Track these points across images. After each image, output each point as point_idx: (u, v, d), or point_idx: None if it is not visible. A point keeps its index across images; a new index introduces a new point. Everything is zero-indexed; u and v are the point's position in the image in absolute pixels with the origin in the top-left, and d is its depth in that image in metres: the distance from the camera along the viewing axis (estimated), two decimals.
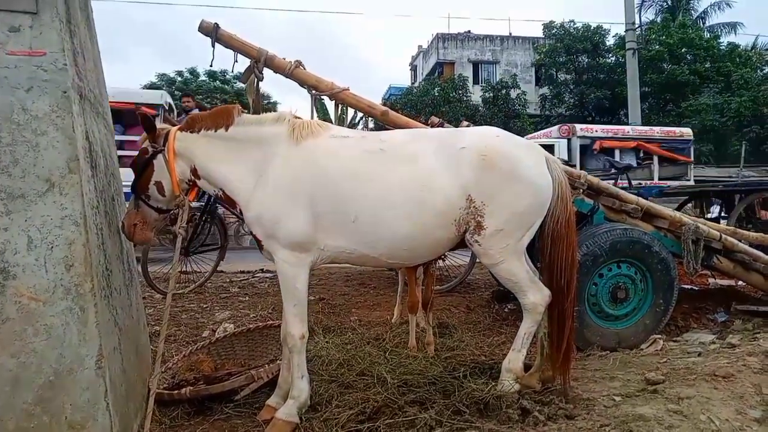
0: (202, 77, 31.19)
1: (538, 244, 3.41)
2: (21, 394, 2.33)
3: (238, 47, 4.25)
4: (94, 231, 2.68)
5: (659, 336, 4.54)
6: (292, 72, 4.29)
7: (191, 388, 3.34)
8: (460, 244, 3.35)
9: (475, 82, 34.02)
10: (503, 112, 28.57)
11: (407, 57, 45.31)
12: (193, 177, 3.31)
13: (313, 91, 4.38)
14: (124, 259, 3.44)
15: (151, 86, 31.12)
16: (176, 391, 3.34)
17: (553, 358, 3.39)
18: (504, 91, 29.38)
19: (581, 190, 4.59)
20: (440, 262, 6.88)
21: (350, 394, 3.46)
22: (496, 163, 3.11)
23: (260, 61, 4.22)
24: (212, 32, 4.18)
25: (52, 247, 2.45)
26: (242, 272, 7.99)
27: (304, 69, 4.33)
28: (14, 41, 2.45)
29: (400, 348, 4.39)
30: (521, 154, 3.23)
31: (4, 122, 2.45)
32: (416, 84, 35.34)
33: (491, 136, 3.28)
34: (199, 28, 4.19)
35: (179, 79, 31.29)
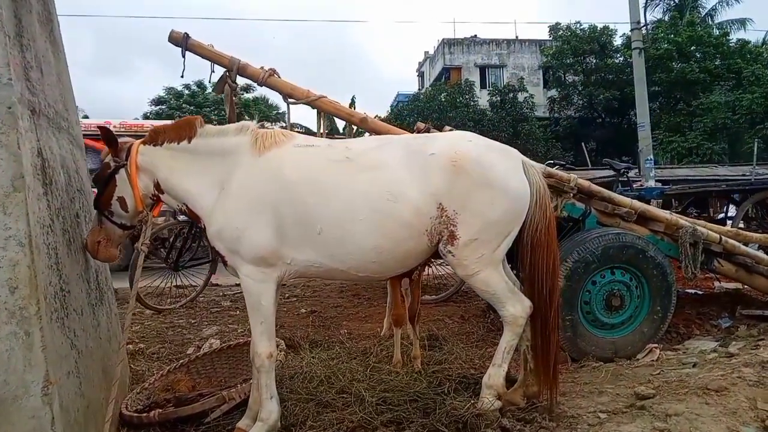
0: (209, 90, 31.40)
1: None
2: None
3: (209, 56, 4.17)
4: (44, 251, 2.58)
5: (656, 345, 4.35)
6: (266, 80, 4.20)
7: (160, 411, 3.23)
8: (437, 254, 3.21)
9: (482, 86, 33.90)
10: (511, 116, 28.36)
11: (414, 63, 45.35)
12: (156, 191, 3.21)
13: (289, 99, 4.28)
14: (90, 278, 3.34)
15: (159, 100, 31.47)
16: (145, 414, 3.22)
17: (538, 373, 3.23)
18: (511, 95, 29.20)
19: (571, 194, 4.42)
20: (435, 270, 6.75)
21: (327, 414, 3.33)
22: (468, 169, 2.96)
23: (233, 69, 4.14)
24: (182, 42, 4.11)
25: None
26: (238, 285, 7.88)
27: (279, 77, 4.23)
28: None
29: (384, 363, 4.24)
30: (494, 158, 3.08)
31: None
32: (423, 90, 35.27)
33: (462, 141, 3.14)
34: (169, 38, 4.11)
35: (186, 92, 31.55)
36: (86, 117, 16.24)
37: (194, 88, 31.60)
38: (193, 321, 5.76)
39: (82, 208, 3.37)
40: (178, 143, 3.18)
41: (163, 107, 30.58)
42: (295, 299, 7.07)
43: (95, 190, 3.31)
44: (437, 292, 6.89)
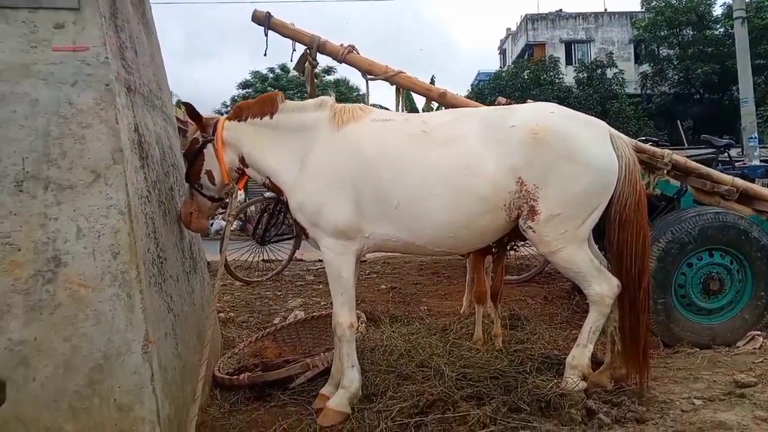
0: (293, 72, 32.16)
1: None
2: (73, 376, 2.43)
3: (290, 35, 4.25)
4: (143, 220, 2.75)
5: (758, 332, 4.02)
6: (345, 57, 4.22)
7: (249, 374, 3.38)
8: (522, 236, 3.12)
9: (568, 62, 32.45)
10: (599, 93, 27.00)
11: (496, 41, 44.15)
12: (241, 165, 3.32)
13: (368, 76, 4.29)
14: (185, 248, 3.53)
15: (245, 84, 32.62)
16: (235, 377, 3.39)
17: (627, 355, 3.08)
18: (599, 71, 27.76)
19: (665, 171, 4.15)
20: (518, 251, 6.59)
21: (406, 386, 3.35)
22: (549, 141, 2.84)
23: (313, 47, 4.19)
24: (265, 21, 4.20)
25: (99, 235, 2.53)
26: (320, 261, 8.11)
27: (358, 53, 4.25)
28: (59, 38, 2.55)
29: (464, 340, 4.21)
30: (578, 130, 2.93)
31: (52, 116, 2.56)
32: (505, 68, 34.28)
33: (544, 112, 3.01)
34: (252, 17, 4.23)
35: (271, 75, 32.49)
36: (179, 101, 17.06)
37: (278, 71, 32.46)
38: (278, 293, 5.98)
39: (175, 182, 3.56)
40: (261, 119, 3.27)
41: (250, 90, 31.68)
42: (375, 276, 7.17)
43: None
44: (519, 273, 6.74)
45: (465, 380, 3.34)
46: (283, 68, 32.35)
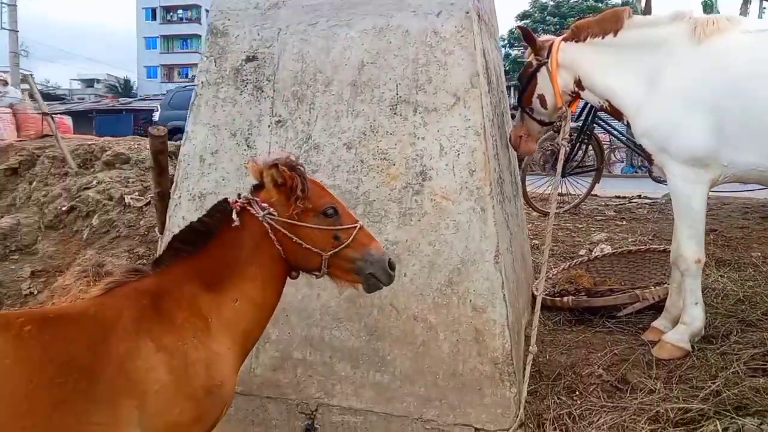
0: None
1: None
2: (436, 275, 2.79)
3: None
4: (491, 141, 2.94)
5: None
6: None
7: (573, 298, 3.44)
8: None
9: None
10: None
11: None
12: (576, 88, 3.25)
13: None
14: (513, 171, 3.69)
15: (524, 15, 31.73)
16: (559, 299, 3.49)
17: None
18: None
19: None
20: None
21: (753, 333, 3.04)
22: None
23: None
24: None
25: (458, 154, 2.80)
26: (617, 197, 7.66)
27: None
28: None
29: None
30: None
31: (420, 45, 2.85)
32: None
33: None
34: None
35: (551, 3, 30.94)
36: None
37: None
38: (579, 226, 5.88)
39: (504, 108, 3.70)
40: (602, 37, 3.12)
41: (527, 21, 30.76)
42: None
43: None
44: None
45: None
46: None
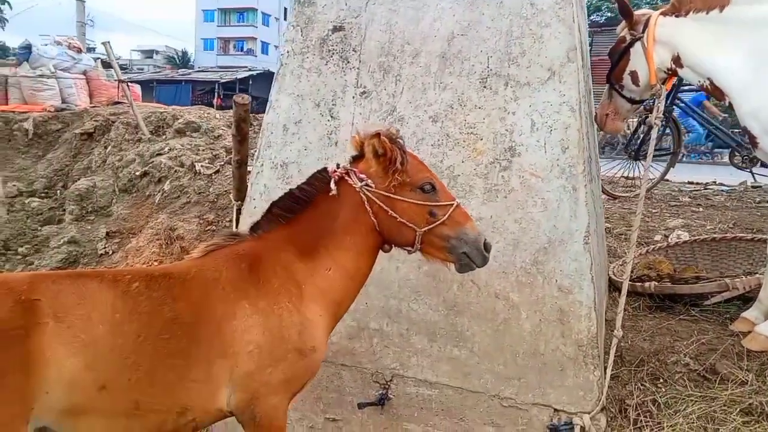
0: None
1: None
2: (520, 253, 2.75)
3: None
4: (584, 118, 2.84)
5: None
6: None
7: (656, 283, 3.34)
8: None
9: None
10: None
11: None
12: (673, 66, 3.08)
13: None
14: (596, 150, 3.57)
15: None
16: (640, 284, 3.39)
17: None
18: None
19: None
20: None
21: None
22: None
23: None
24: None
25: (551, 130, 2.72)
26: (691, 183, 7.36)
27: None
28: None
29: None
30: None
31: (514, 17, 2.77)
32: None
33: None
34: None
35: None
36: None
37: None
38: (653, 211, 5.68)
39: (585, 86, 3.57)
40: (707, 12, 2.94)
41: None
42: None
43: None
44: None
45: None
46: None
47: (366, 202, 2.08)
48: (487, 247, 2.09)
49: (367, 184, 2.08)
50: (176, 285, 1.99)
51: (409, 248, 2.14)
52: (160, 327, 1.89)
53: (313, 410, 3.08)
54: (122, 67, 9.81)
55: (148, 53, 62.51)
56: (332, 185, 2.10)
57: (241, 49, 57.13)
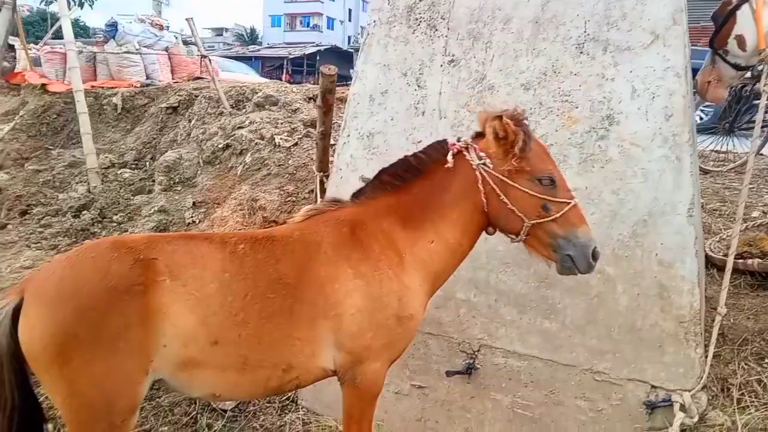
0: None
1: None
2: (618, 226, 2.66)
3: None
4: (689, 85, 2.68)
5: None
6: None
7: (760, 261, 3.16)
8: None
9: None
10: None
11: None
12: None
13: None
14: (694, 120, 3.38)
15: None
16: (741, 261, 3.22)
17: None
18: None
19: None
20: None
21: None
22: None
23: None
24: None
25: (653, 97, 2.59)
26: None
27: None
28: None
29: None
30: None
31: None
32: None
33: None
34: None
35: None
36: None
37: None
38: (750, 186, 5.34)
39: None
40: None
41: None
42: None
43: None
44: None
45: None
46: None
47: (480, 181, 2.05)
48: (595, 255, 2.00)
49: (484, 163, 2.05)
50: (280, 247, 2.06)
51: (513, 236, 2.10)
52: (266, 286, 1.97)
53: (400, 376, 3.13)
54: (193, 45, 10.10)
55: (218, 31, 64.09)
56: (449, 157, 2.08)
57: (308, 25, 57.53)
